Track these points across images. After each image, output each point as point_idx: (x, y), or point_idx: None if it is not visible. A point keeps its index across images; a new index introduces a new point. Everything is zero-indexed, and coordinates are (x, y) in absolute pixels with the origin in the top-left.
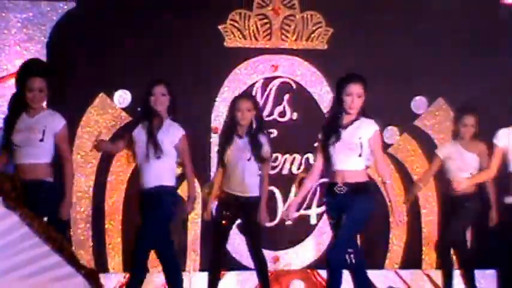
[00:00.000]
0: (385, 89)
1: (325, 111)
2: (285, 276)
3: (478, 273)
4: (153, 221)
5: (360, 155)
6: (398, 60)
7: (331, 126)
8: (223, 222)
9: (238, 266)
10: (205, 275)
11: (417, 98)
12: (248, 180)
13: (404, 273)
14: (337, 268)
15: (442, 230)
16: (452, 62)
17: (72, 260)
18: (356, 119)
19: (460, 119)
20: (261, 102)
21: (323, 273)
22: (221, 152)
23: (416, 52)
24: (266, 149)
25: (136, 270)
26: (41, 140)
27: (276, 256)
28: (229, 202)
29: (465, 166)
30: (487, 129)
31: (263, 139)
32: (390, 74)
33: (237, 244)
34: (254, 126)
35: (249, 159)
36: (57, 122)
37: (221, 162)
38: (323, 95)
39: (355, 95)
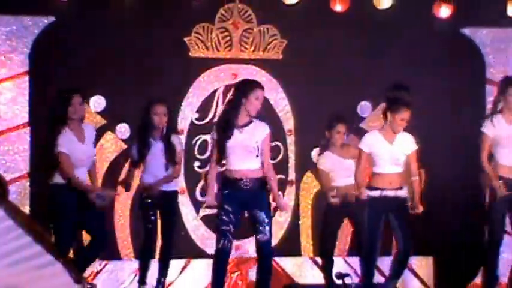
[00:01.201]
0: (333, 95)
1: (280, 115)
2: (245, 263)
3: (415, 260)
4: None
5: (257, 156)
6: (346, 69)
7: (225, 126)
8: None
9: (202, 255)
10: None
11: (362, 102)
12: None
13: (351, 260)
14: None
15: None
16: (393, 71)
17: (51, 249)
18: (250, 121)
19: (333, 127)
20: (222, 107)
21: (278, 259)
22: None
23: (361, 62)
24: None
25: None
26: None
27: (237, 245)
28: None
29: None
30: (426, 133)
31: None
32: (339, 82)
33: (201, 234)
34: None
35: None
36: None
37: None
38: (278, 101)
39: (260, 100)
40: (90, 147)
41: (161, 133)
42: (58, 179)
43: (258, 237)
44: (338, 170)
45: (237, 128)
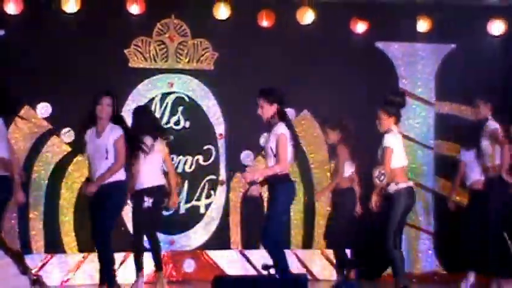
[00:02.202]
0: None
1: (211, 120)
2: (179, 256)
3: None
4: None
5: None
6: (271, 79)
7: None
8: None
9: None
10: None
11: (287, 109)
12: None
13: (249, 252)
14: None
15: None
16: (314, 80)
17: (1, 245)
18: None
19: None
20: (159, 113)
21: (209, 253)
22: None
23: (286, 72)
24: None
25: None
26: None
27: (172, 239)
28: None
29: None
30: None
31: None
32: (274, 83)
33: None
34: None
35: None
36: None
37: None
38: (211, 107)
39: (105, 105)
40: None
41: None
42: None
43: None
44: None
45: None
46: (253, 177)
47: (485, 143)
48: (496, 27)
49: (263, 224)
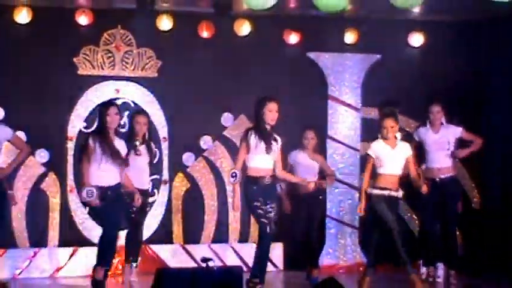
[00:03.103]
0: (201, 107)
1: (156, 124)
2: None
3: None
4: None
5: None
6: (211, 86)
7: None
8: None
9: (88, 243)
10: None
11: (225, 114)
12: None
13: (214, 246)
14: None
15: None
16: (251, 88)
17: None
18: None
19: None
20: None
21: (153, 247)
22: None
23: (224, 79)
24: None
25: None
26: None
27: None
28: None
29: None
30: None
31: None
32: (205, 96)
33: (87, 226)
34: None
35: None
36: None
37: None
38: (155, 112)
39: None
40: None
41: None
42: None
43: None
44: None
45: None
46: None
47: None
48: (416, 40)
49: None
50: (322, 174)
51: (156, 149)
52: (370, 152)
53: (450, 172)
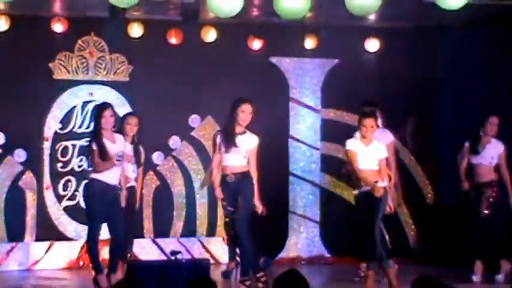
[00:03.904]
0: (171, 109)
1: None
2: (101, 244)
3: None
4: None
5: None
6: (180, 89)
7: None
8: None
9: (63, 238)
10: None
11: (193, 115)
12: None
13: (183, 240)
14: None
15: None
16: (217, 90)
17: None
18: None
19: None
20: (81, 120)
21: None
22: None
23: (192, 83)
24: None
25: None
26: None
27: None
28: None
29: None
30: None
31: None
32: (174, 99)
33: (62, 221)
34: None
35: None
36: None
37: None
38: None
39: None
40: None
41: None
42: None
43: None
44: None
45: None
46: None
47: None
48: (372, 45)
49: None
50: None
51: (143, 151)
52: (348, 147)
53: None
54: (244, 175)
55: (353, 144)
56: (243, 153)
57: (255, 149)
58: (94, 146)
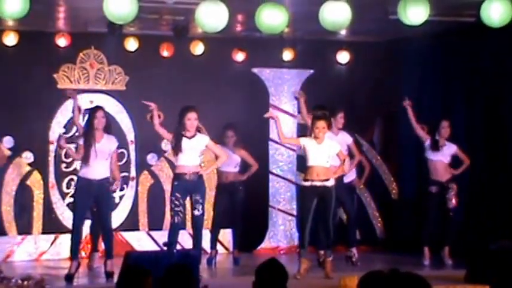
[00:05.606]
0: (164, 114)
1: (124, 129)
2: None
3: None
4: None
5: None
6: (171, 97)
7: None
8: None
9: (67, 231)
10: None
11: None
12: None
13: (154, 233)
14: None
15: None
16: (205, 98)
17: None
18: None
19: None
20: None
21: (123, 233)
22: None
23: (182, 92)
24: None
25: None
26: None
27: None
28: None
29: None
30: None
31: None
32: (166, 105)
33: (66, 216)
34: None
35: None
36: None
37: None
38: (123, 119)
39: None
40: None
41: None
42: None
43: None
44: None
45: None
46: None
47: None
48: (343, 57)
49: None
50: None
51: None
52: (301, 142)
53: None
54: (199, 175)
55: (306, 140)
56: (197, 154)
57: (211, 142)
58: (80, 142)
